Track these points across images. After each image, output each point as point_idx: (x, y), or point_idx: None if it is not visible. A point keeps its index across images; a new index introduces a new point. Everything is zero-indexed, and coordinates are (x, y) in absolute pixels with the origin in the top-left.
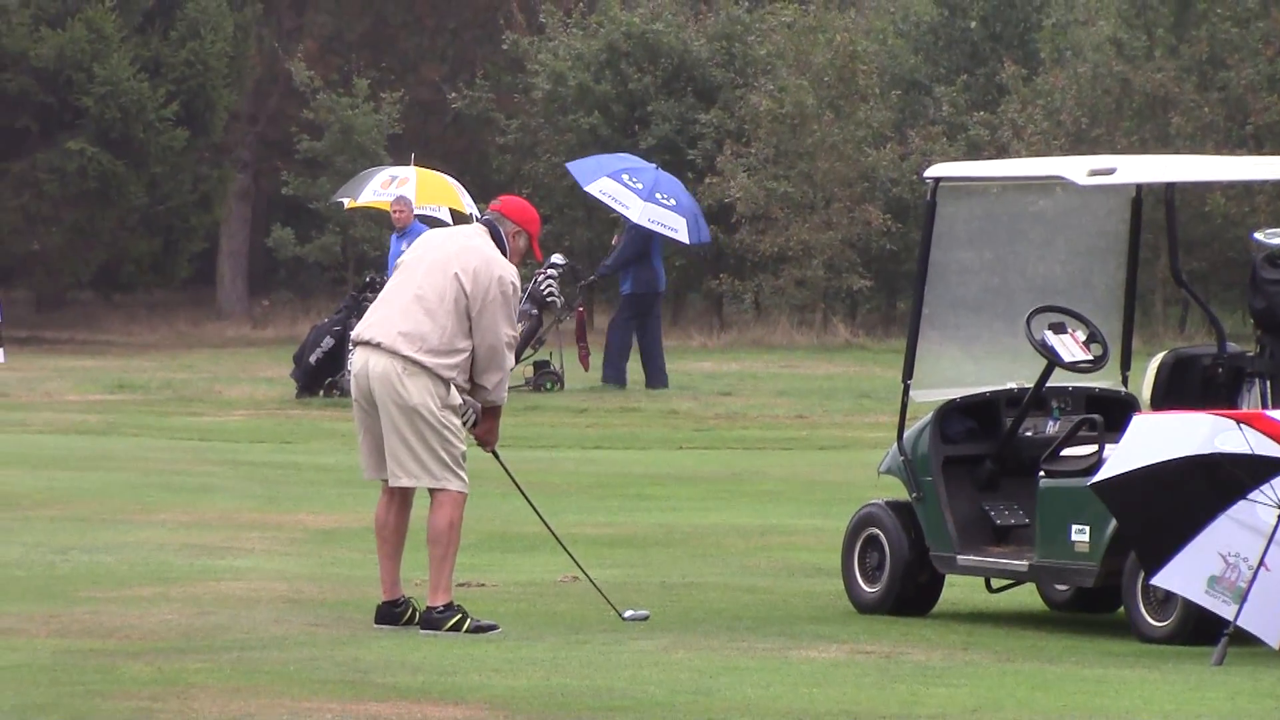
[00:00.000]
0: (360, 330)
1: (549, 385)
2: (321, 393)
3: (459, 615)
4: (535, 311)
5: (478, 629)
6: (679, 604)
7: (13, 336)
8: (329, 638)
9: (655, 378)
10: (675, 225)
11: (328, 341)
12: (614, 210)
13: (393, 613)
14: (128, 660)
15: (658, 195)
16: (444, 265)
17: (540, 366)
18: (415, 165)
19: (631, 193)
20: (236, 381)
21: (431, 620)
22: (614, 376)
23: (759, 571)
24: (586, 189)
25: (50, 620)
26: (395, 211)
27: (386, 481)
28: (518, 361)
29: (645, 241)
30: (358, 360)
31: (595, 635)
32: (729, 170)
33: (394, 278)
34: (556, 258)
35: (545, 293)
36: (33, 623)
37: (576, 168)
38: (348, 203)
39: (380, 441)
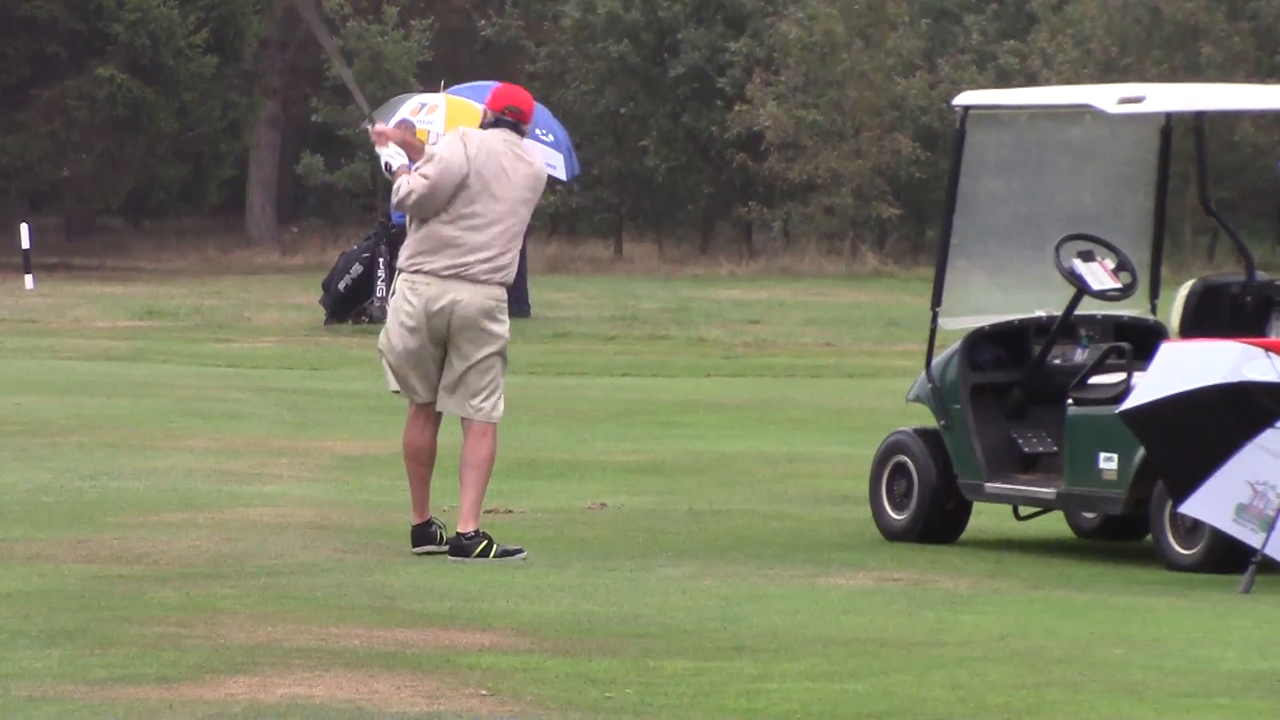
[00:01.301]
0: (431, 260)
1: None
2: (350, 320)
3: (486, 542)
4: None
5: (504, 554)
6: (706, 531)
7: (42, 263)
8: (357, 564)
9: (519, 307)
10: (554, 161)
11: (356, 268)
12: None
13: (428, 533)
14: (156, 586)
15: (538, 131)
16: (512, 188)
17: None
18: (444, 92)
19: None
20: (265, 308)
21: (460, 547)
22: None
23: (786, 499)
24: None
25: (78, 545)
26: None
27: (419, 405)
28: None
29: None
30: (432, 289)
31: (623, 562)
32: (758, 98)
33: (467, 203)
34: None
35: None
36: (61, 548)
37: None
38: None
39: (435, 370)
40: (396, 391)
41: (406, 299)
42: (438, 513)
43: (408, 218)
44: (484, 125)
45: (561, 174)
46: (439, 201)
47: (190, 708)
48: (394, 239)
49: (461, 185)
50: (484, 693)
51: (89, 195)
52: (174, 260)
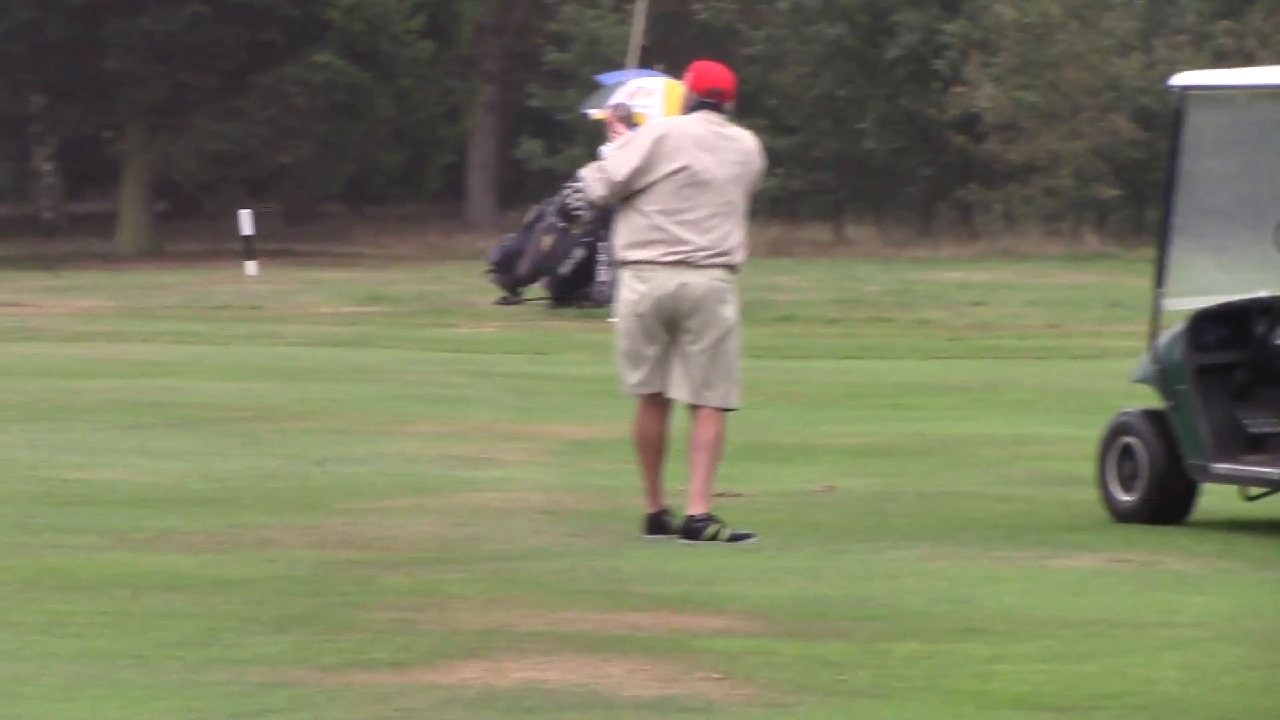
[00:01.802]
0: (647, 250)
1: (572, 299)
2: (574, 304)
3: (717, 525)
4: (562, 225)
5: (735, 538)
6: (935, 513)
7: (264, 249)
8: (586, 548)
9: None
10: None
11: (578, 253)
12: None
13: (661, 521)
14: (386, 571)
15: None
16: (719, 170)
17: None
18: (661, 76)
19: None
20: (489, 293)
21: (691, 529)
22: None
23: (1014, 480)
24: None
25: (308, 532)
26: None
27: (650, 396)
28: (543, 273)
29: None
30: (659, 275)
31: (852, 545)
32: (975, 80)
33: (678, 191)
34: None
35: (572, 207)
36: (291, 534)
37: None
38: (595, 114)
39: (664, 358)
40: (632, 392)
41: (632, 287)
42: (668, 497)
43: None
44: (687, 109)
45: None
46: (618, 192)
47: (423, 692)
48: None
49: (665, 176)
50: (717, 676)
51: (309, 181)
52: (395, 246)
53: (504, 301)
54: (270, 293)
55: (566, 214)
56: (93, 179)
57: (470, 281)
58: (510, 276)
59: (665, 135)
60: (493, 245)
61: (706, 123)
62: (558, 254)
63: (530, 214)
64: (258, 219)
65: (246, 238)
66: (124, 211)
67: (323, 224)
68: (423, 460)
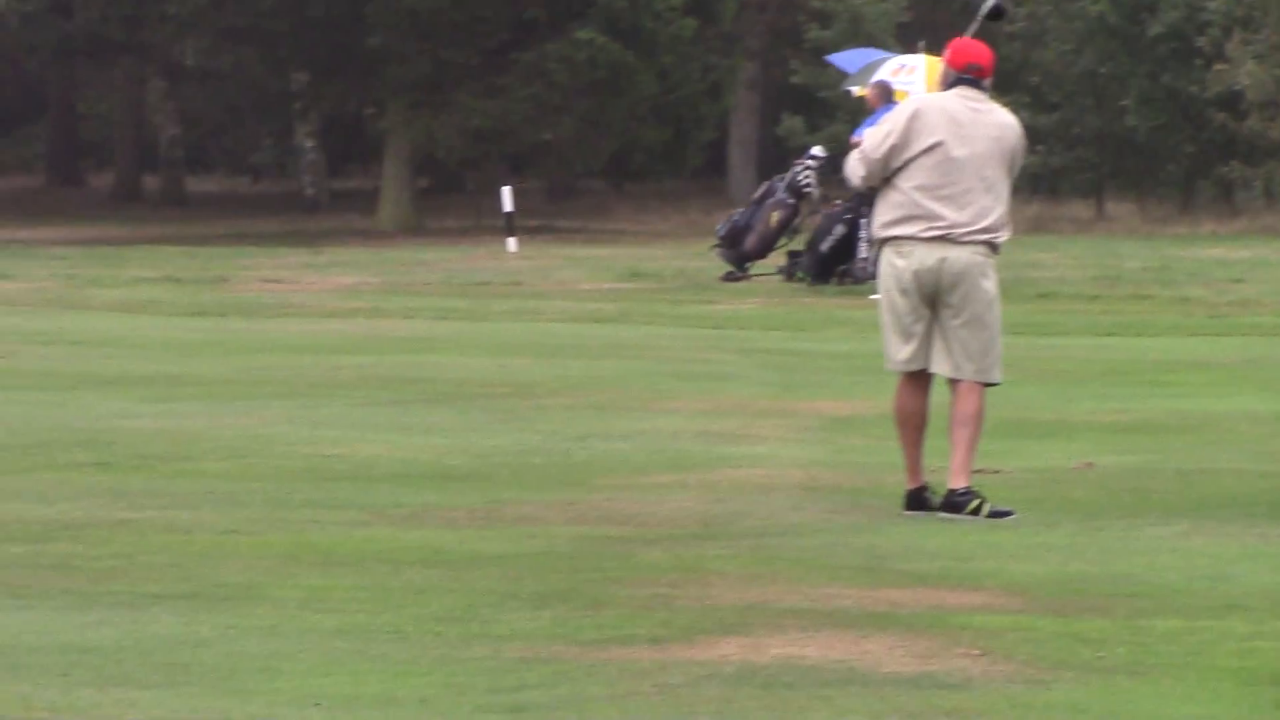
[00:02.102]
0: (908, 227)
1: (800, 274)
2: (834, 281)
3: (979, 500)
4: (792, 201)
5: (995, 515)
6: (1194, 490)
7: (525, 225)
8: (846, 524)
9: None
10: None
11: (839, 230)
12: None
13: (921, 498)
14: (645, 547)
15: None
16: (976, 146)
17: (794, 255)
18: (924, 53)
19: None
20: (751, 269)
21: (953, 503)
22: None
23: (1275, 457)
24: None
25: (568, 507)
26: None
27: (913, 373)
28: (773, 249)
29: None
30: (919, 251)
31: (1111, 522)
32: (1237, 57)
33: (935, 167)
34: (816, 149)
35: (803, 183)
36: (550, 510)
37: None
38: (857, 90)
39: (926, 334)
40: (897, 368)
41: (893, 264)
42: (926, 474)
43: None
44: (945, 85)
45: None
46: (878, 173)
47: (682, 669)
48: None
49: (921, 153)
50: (976, 653)
51: (570, 158)
52: (656, 222)
53: (729, 277)
54: (531, 269)
55: (796, 190)
56: (355, 156)
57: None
58: (737, 252)
59: (920, 112)
60: (720, 220)
61: (963, 99)
62: (820, 231)
63: (760, 189)
64: (519, 195)
65: (508, 214)
66: (385, 188)
67: (583, 200)
68: (682, 436)
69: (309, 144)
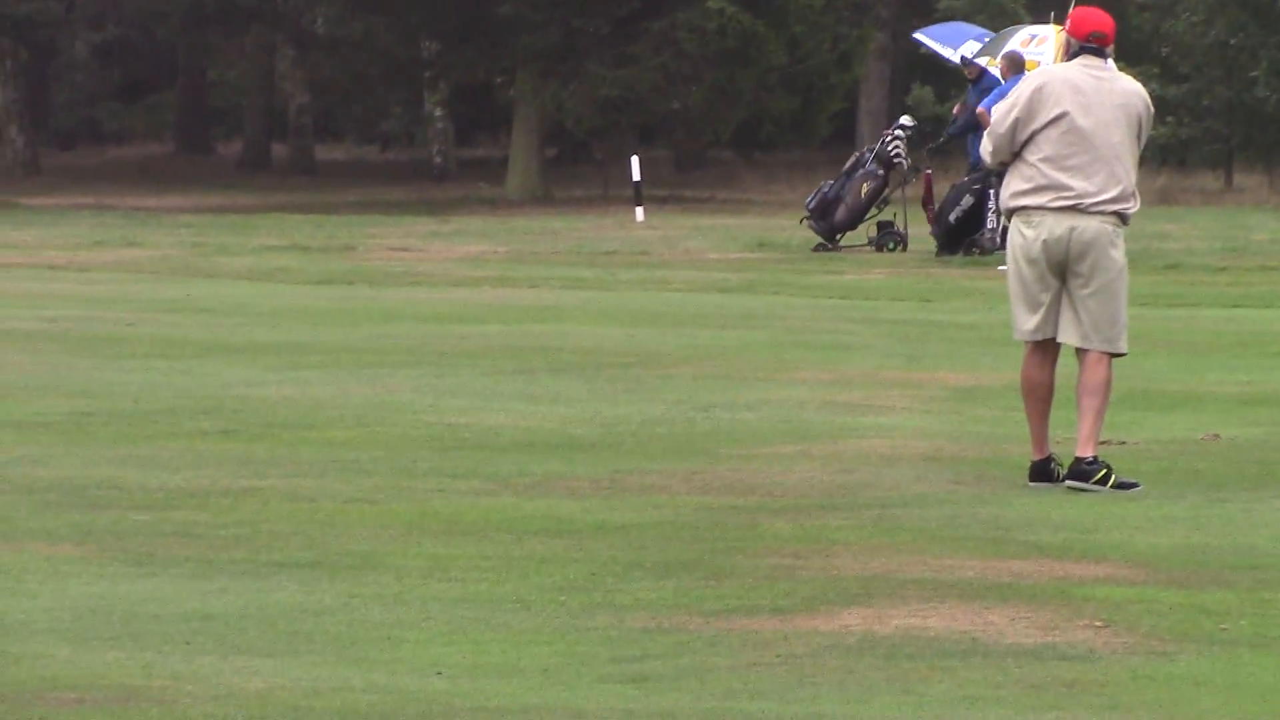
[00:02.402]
0: (1037, 198)
1: (891, 245)
2: (961, 252)
3: (1105, 470)
4: (881, 172)
5: (1120, 486)
6: None
7: (652, 195)
8: (970, 495)
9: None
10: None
11: (967, 200)
12: (941, 56)
13: (1047, 469)
14: (769, 517)
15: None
16: (1100, 115)
17: (884, 226)
18: (1054, 24)
19: (953, 37)
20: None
21: (1080, 471)
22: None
23: None
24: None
25: (692, 477)
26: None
27: (1039, 342)
28: (863, 220)
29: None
30: (1047, 221)
31: (1236, 494)
32: None
33: (1060, 138)
34: (905, 119)
35: (892, 153)
36: (675, 479)
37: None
38: (986, 61)
39: (1054, 304)
40: (1025, 339)
41: (1021, 233)
42: (1052, 445)
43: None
44: (1068, 55)
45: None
46: (1005, 147)
47: (805, 639)
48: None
49: (1046, 124)
50: (1099, 624)
51: (699, 127)
52: (784, 192)
53: (820, 249)
54: (658, 238)
55: (886, 161)
56: (483, 125)
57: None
58: (827, 224)
59: (1043, 84)
60: (811, 192)
61: (1086, 68)
62: (948, 201)
63: (849, 161)
64: (647, 165)
65: (635, 184)
66: (514, 157)
67: (712, 170)
68: (807, 406)
69: (438, 112)
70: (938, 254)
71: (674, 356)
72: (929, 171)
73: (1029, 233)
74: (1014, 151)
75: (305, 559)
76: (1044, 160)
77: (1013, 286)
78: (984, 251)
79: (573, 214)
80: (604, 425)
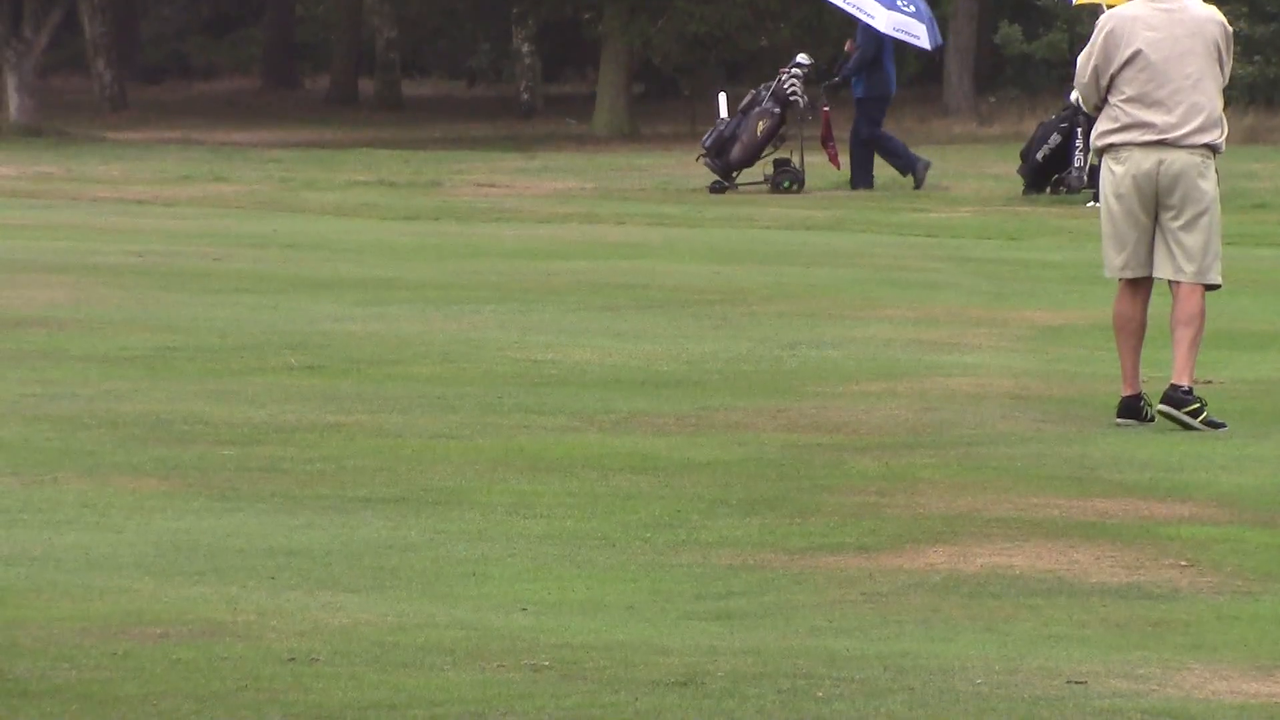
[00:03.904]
0: (1124, 135)
1: (787, 184)
2: (1048, 189)
3: (1199, 403)
4: (778, 110)
5: (1210, 424)
6: None
7: None
8: (1056, 434)
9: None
10: (917, 32)
11: (1055, 138)
12: (858, 19)
13: (1136, 407)
14: (855, 455)
15: (899, 3)
16: (1171, 48)
17: (780, 165)
18: None
19: (876, 2)
20: (963, 178)
21: (1175, 399)
22: (863, 180)
23: None
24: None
25: (778, 414)
26: None
27: (1133, 279)
28: (759, 158)
29: (877, 46)
30: (1135, 156)
31: None
32: None
33: (1138, 76)
34: (801, 57)
35: (789, 91)
36: (760, 416)
37: None
38: (1076, 1)
39: (1145, 240)
40: (1116, 275)
41: (1111, 170)
42: (1142, 383)
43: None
44: None
45: (926, 44)
46: (1093, 95)
47: (889, 577)
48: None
49: (1122, 65)
50: (1183, 564)
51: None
52: None
53: (716, 187)
54: (743, 175)
55: (782, 99)
56: (571, 61)
57: (944, 166)
58: (723, 162)
59: (1113, 28)
60: (708, 131)
61: (1151, 3)
62: (1035, 139)
63: (746, 99)
64: (734, 102)
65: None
66: (601, 93)
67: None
68: (893, 344)
69: (525, 48)
70: (1024, 192)
71: (760, 294)
72: (827, 109)
73: (1118, 169)
74: (1102, 96)
75: (391, 495)
76: (1126, 100)
77: (1104, 224)
78: (1070, 189)
79: (659, 150)
80: (690, 362)
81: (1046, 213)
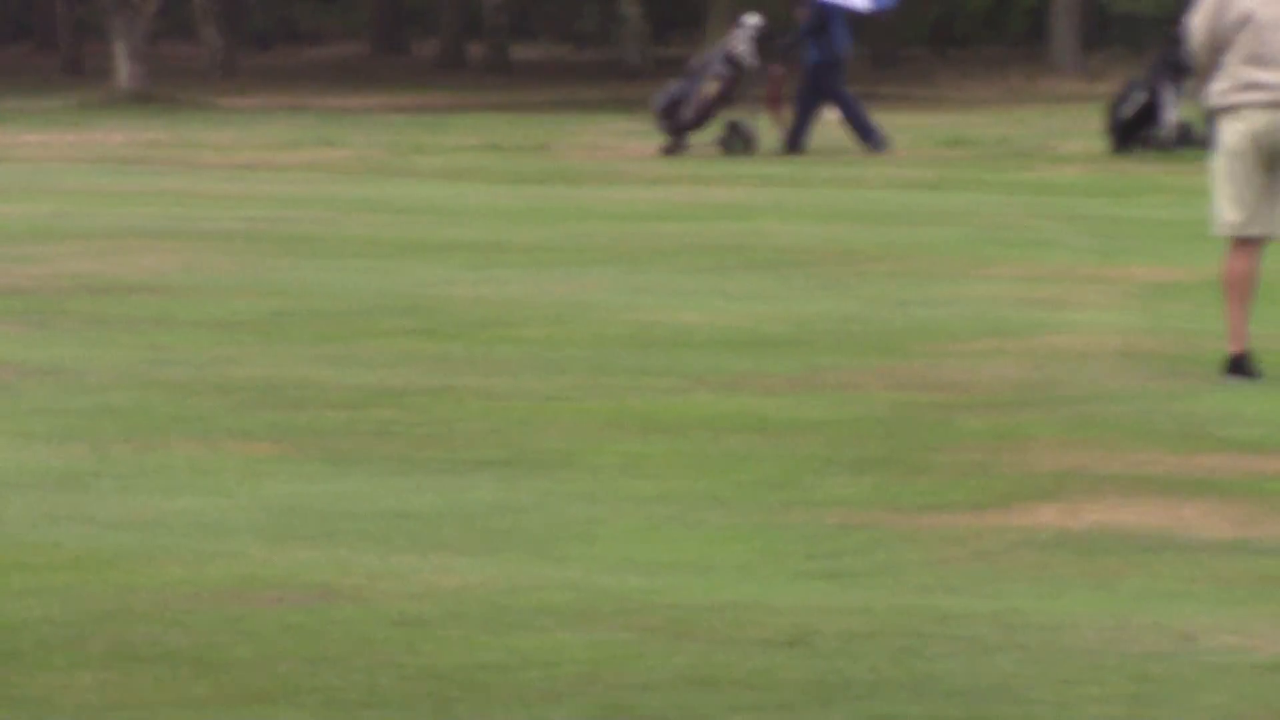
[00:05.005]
0: (1241, 95)
1: (738, 145)
2: (1138, 146)
3: None
4: (728, 72)
5: None
6: None
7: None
8: (1164, 391)
9: (871, 139)
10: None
11: (1139, 96)
12: None
13: (1244, 363)
14: (964, 413)
15: None
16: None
17: (731, 126)
18: None
19: None
20: (1069, 136)
21: None
22: (795, 145)
23: None
24: None
25: (887, 374)
26: None
27: (1244, 237)
28: (709, 119)
29: (821, 13)
30: (1253, 114)
31: None
32: None
33: (1249, 38)
34: (749, 17)
35: (740, 52)
36: (870, 376)
37: None
38: None
39: (1261, 198)
40: (1229, 233)
41: (1231, 128)
42: (1251, 340)
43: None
44: None
45: (863, 7)
46: (1207, 60)
47: (998, 534)
48: (1180, 66)
49: (1232, 27)
50: None
51: (894, 25)
52: (977, 89)
53: (668, 149)
54: (852, 135)
55: (733, 60)
56: (679, 23)
57: (1050, 124)
58: (673, 123)
59: None
60: (657, 92)
61: None
62: (1119, 97)
63: (697, 60)
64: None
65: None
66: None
67: (906, 67)
68: (1002, 303)
69: (633, 11)
70: (1114, 150)
71: (868, 253)
72: (778, 71)
73: (1240, 126)
74: (1214, 58)
75: (501, 457)
76: (1241, 61)
77: (1221, 182)
78: (1160, 147)
79: (768, 111)
80: (798, 322)
81: (1153, 170)
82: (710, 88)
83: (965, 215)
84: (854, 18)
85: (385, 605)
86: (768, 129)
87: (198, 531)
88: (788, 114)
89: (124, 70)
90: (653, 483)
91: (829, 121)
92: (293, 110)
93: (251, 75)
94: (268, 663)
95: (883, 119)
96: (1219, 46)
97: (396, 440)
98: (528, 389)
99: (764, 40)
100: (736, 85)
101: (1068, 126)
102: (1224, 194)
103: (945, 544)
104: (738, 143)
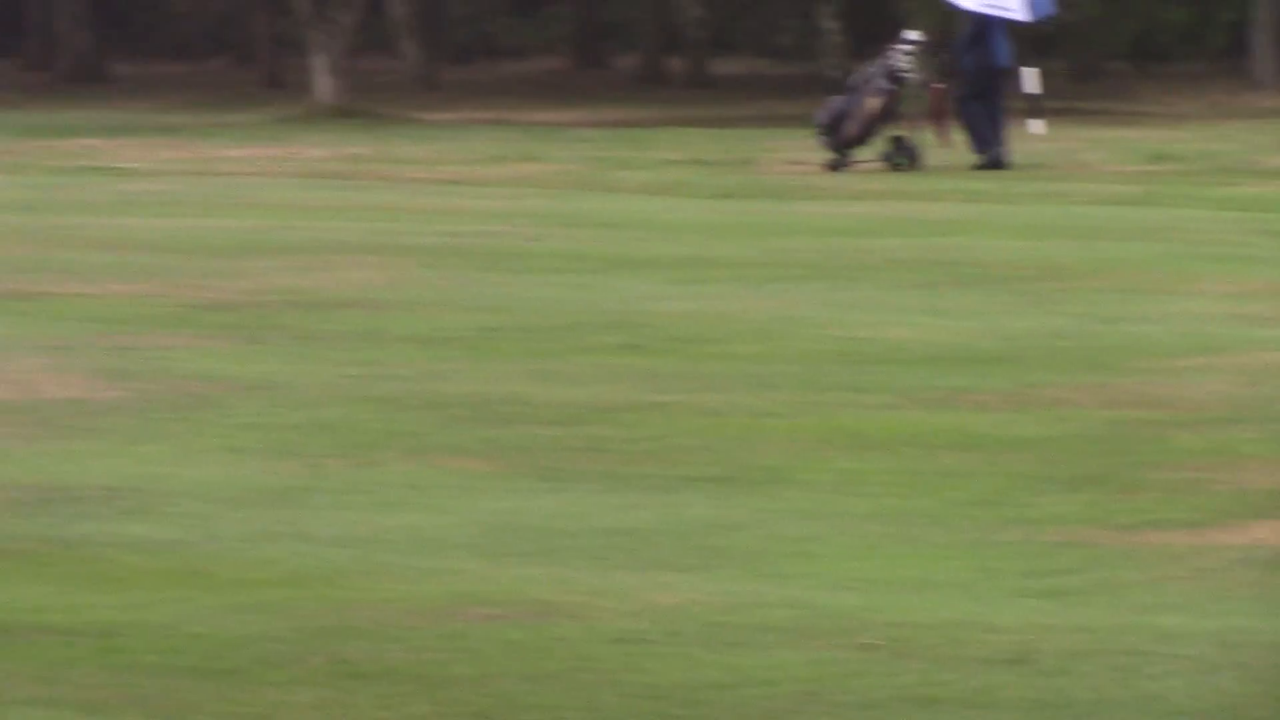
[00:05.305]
0: None
1: (901, 161)
2: None
3: None
4: (890, 87)
5: None
6: None
7: (1048, 107)
8: None
9: (986, 150)
10: (1008, 5)
11: None
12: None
13: None
14: (1177, 430)
15: None
16: None
17: (895, 141)
18: None
19: None
20: (1274, 152)
21: None
22: (992, 159)
23: None
24: None
25: (1099, 390)
26: None
27: None
28: (872, 135)
29: (979, 20)
30: None
31: None
32: None
33: None
34: (911, 33)
35: (900, 68)
36: (1081, 392)
37: None
38: None
39: None
40: None
41: None
42: None
43: None
44: None
45: (1020, 16)
46: None
47: (1216, 553)
48: None
49: None
50: None
51: (1093, 39)
52: (1179, 104)
53: (832, 165)
54: (1055, 151)
55: (893, 76)
56: (878, 37)
57: (1255, 140)
58: (836, 139)
59: None
60: (819, 108)
61: None
62: None
63: (859, 76)
64: (1043, 77)
65: (1030, 95)
66: None
67: (1106, 82)
68: (1211, 319)
69: (832, 25)
70: None
71: (1076, 269)
72: (939, 86)
73: None
74: None
75: (715, 473)
76: None
77: None
78: None
79: (930, 126)
80: (1008, 338)
81: None
82: (873, 103)
83: (1172, 231)
84: (1014, 28)
85: (604, 623)
86: (931, 144)
87: (414, 548)
88: (951, 129)
89: (324, 84)
90: (867, 500)
91: (1029, 136)
92: (494, 125)
93: (451, 90)
94: (488, 680)
95: (1084, 133)
96: None
97: (608, 457)
98: (739, 405)
99: (925, 55)
100: (898, 101)
101: (1272, 142)
102: None
103: (1163, 562)
104: (902, 158)
